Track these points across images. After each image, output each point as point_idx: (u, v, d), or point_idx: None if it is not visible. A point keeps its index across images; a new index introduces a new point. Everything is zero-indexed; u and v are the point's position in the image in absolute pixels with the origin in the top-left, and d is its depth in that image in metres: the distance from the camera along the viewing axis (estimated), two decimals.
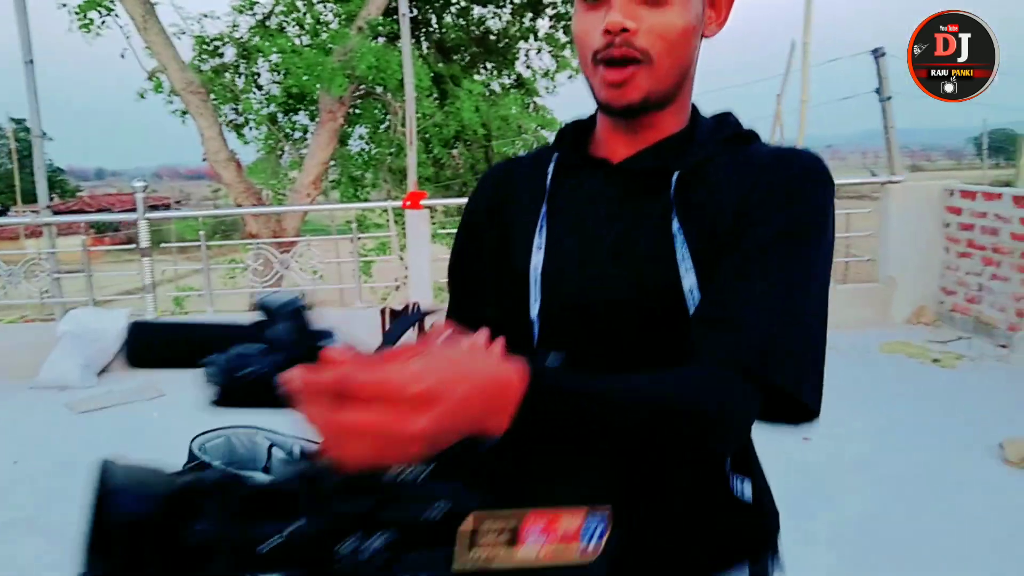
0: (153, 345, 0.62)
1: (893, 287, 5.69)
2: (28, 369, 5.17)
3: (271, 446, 3.63)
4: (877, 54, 8.04)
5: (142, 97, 10.30)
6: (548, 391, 0.55)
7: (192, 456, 3.27)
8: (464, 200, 7.51)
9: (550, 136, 10.70)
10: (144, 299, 5.62)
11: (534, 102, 11.30)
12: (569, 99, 13.23)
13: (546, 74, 11.66)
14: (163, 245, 5.71)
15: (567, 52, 11.41)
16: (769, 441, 0.87)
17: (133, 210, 5.56)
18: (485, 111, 9.57)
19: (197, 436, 3.39)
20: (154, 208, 5.93)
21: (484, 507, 0.50)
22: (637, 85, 0.77)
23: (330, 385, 0.46)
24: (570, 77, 11.56)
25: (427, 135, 9.64)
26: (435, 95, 9.46)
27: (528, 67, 11.71)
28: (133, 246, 5.98)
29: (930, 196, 5.75)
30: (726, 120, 0.85)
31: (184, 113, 10.31)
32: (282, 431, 3.52)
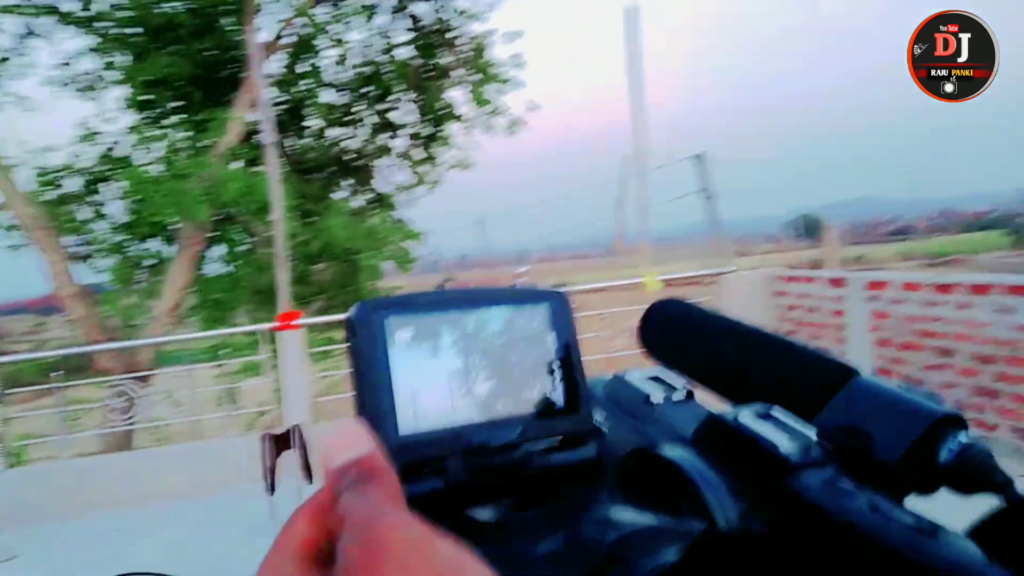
0: (670, 329, 0.50)
1: None
2: None
3: None
4: (701, 159, 9.13)
5: None
6: None
7: None
8: (333, 317, 7.44)
9: (414, 247, 11.02)
10: None
11: (392, 216, 11.65)
12: (428, 211, 13.73)
13: (405, 188, 12.11)
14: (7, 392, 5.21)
15: (425, 167, 11.96)
16: None
17: None
18: (353, 227, 9.79)
19: None
20: None
21: None
22: None
23: None
24: (429, 189, 12.08)
25: (291, 253, 9.67)
26: (298, 213, 9.56)
27: (387, 181, 12.13)
28: None
29: (759, 281, 6.51)
30: None
31: (16, 248, 9.72)
32: (183, 574, 3.37)
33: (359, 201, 11.92)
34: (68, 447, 5.29)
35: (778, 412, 0.43)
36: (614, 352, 6.07)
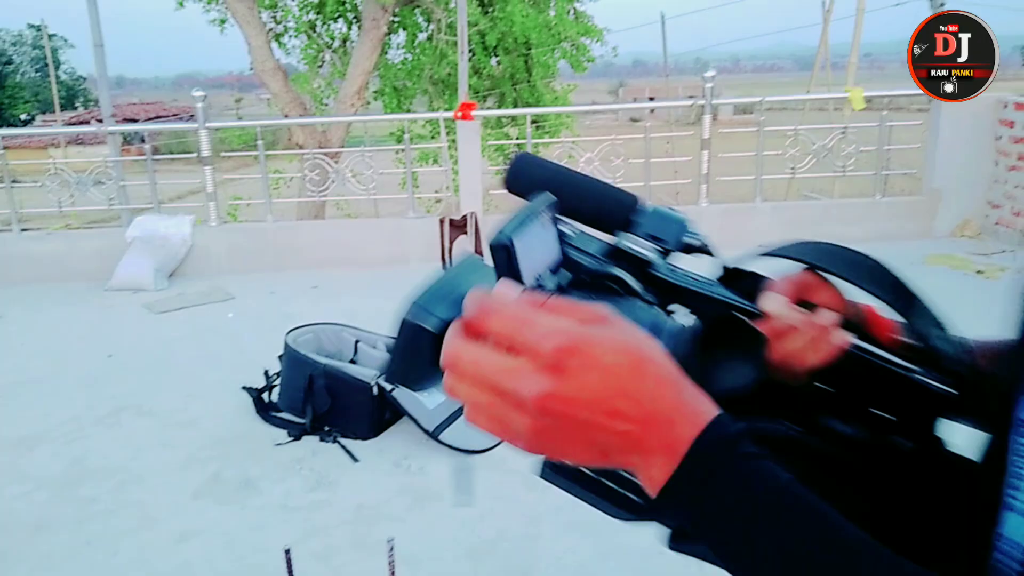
0: (531, 176, 0.66)
1: (938, 200, 5.73)
2: (100, 272, 5.49)
3: (357, 341, 3.95)
4: None
5: (181, 6, 10.29)
6: (731, 455, 0.38)
7: (287, 347, 3.59)
8: (509, 111, 7.50)
9: (591, 45, 10.51)
10: (207, 206, 5.85)
11: (575, 8, 11.02)
12: (610, 5, 12.86)
13: None
14: (185, 155, 5.83)
15: None
16: None
17: (162, 118, 5.70)
18: (531, 18, 9.42)
19: (291, 330, 3.72)
20: (176, 116, 6.12)
21: None
22: None
23: (470, 318, 0.38)
24: None
25: (469, 43, 9.55)
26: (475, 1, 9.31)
27: None
28: (161, 156, 6.12)
29: (983, 108, 5.69)
30: None
31: (223, 22, 10.30)
32: (366, 328, 3.83)
33: None
34: (270, 210, 5.90)
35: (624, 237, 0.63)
36: (799, 174, 5.70)
